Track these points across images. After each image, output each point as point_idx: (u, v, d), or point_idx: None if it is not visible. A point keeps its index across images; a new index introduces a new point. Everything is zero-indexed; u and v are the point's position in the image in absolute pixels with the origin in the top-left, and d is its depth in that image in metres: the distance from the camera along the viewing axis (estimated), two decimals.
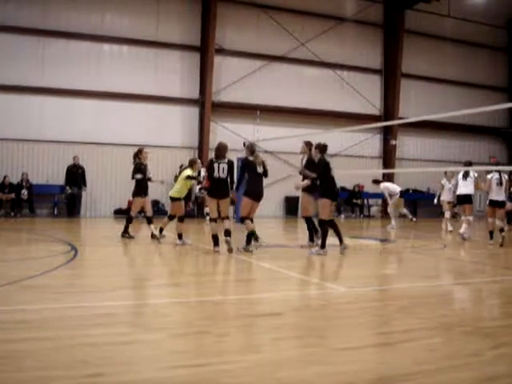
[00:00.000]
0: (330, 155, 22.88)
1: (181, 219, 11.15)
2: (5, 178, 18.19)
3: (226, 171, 9.88)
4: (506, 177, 13.00)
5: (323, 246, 9.84)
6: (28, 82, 18.54)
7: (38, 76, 18.72)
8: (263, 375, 3.60)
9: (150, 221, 11.92)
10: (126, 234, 11.83)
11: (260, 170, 10.26)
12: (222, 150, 10.06)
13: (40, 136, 18.81)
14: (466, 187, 13.06)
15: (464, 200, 13.21)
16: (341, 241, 10.13)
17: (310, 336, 4.59)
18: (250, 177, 10.22)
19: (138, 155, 11.95)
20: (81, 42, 19.47)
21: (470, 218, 13.14)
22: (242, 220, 10.14)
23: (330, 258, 10.18)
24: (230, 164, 9.99)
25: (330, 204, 10.05)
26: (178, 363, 3.81)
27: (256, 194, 10.17)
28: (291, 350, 4.12)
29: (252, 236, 10.01)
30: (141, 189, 11.79)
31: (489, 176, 12.76)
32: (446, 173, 16.53)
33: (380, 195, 24.32)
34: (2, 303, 5.40)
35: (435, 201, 17.07)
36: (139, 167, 11.80)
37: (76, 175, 18.68)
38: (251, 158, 10.27)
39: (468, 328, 4.84)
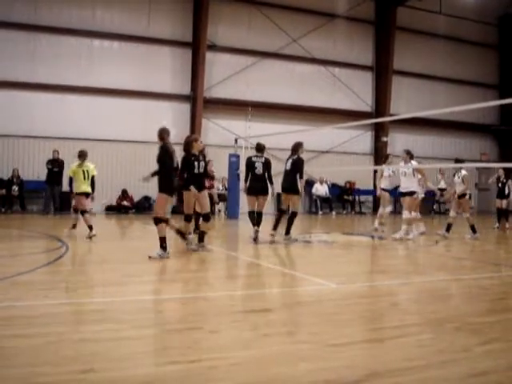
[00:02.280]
0: (321, 152, 22.87)
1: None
2: None
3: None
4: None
5: (162, 246, 8.51)
6: (18, 78, 18.43)
7: (28, 71, 18.62)
8: (254, 371, 3.61)
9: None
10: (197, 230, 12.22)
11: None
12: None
13: (31, 132, 18.73)
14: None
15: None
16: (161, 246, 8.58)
17: (300, 332, 4.60)
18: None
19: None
20: (71, 38, 19.39)
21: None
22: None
23: (321, 255, 10.21)
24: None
25: (165, 199, 8.76)
26: (169, 359, 3.82)
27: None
28: (282, 346, 4.13)
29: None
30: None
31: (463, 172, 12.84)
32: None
33: (372, 191, 24.42)
34: None
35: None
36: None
37: (54, 171, 17.91)
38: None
39: (457, 324, 4.87)
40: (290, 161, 11.35)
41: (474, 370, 3.72)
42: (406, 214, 12.22)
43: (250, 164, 11.26)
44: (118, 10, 20.13)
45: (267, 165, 11.26)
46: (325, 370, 3.66)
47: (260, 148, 11.48)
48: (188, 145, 9.81)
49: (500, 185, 16.57)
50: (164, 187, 8.67)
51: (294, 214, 11.33)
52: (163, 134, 9.05)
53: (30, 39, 18.75)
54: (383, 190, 13.98)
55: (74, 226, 11.80)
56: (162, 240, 8.50)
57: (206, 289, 6.54)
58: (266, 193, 11.25)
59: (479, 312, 5.51)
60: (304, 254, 10.17)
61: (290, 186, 11.33)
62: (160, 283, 6.69)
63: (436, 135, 25.35)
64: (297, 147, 11.45)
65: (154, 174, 8.89)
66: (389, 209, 14.24)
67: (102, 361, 3.69)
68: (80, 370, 3.48)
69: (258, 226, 11.04)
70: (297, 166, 11.23)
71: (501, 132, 27.45)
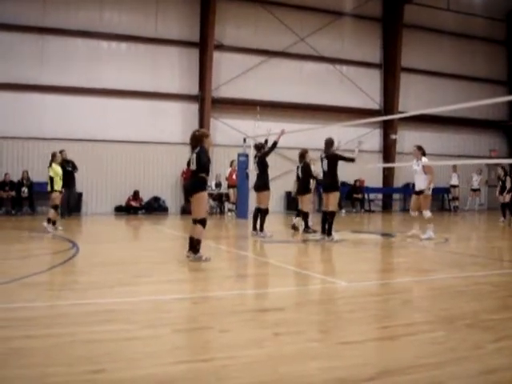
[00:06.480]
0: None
1: (56, 208, 12.86)
2: (5, 175, 18.19)
3: (194, 162, 8.36)
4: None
5: None
6: (27, 80, 18.51)
7: (37, 74, 18.68)
8: (266, 370, 3.61)
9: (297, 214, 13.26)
10: (308, 228, 12.74)
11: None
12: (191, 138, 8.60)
13: (40, 134, 18.78)
14: None
15: None
16: None
17: (312, 330, 4.59)
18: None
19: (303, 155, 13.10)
20: (79, 40, 19.44)
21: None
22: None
23: (330, 253, 10.19)
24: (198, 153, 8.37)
25: None
26: (180, 359, 3.82)
27: None
28: (293, 345, 4.12)
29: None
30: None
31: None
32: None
33: (381, 189, 24.41)
34: (4, 301, 5.41)
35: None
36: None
37: (69, 171, 17.33)
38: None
39: (469, 321, 4.84)
40: (257, 164, 12.33)
41: (486, 367, 3.70)
42: (425, 214, 11.75)
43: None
44: (126, 11, 20.16)
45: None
46: (337, 368, 3.65)
47: (258, 147, 12.65)
48: (199, 140, 8.46)
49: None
50: None
51: (265, 211, 12.07)
52: None
53: (38, 41, 18.82)
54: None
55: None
56: None
57: (217, 288, 6.55)
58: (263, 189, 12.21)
59: (491, 309, 5.48)
60: (314, 253, 10.15)
61: (262, 184, 12.17)
62: (170, 283, 6.69)
63: (445, 132, 25.21)
64: (261, 148, 12.47)
65: None
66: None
67: (113, 361, 3.70)
68: (92, 370, 3.49)
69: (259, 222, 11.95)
70: (263, 165, 12.15)
71: (510, 128, 27.30)
